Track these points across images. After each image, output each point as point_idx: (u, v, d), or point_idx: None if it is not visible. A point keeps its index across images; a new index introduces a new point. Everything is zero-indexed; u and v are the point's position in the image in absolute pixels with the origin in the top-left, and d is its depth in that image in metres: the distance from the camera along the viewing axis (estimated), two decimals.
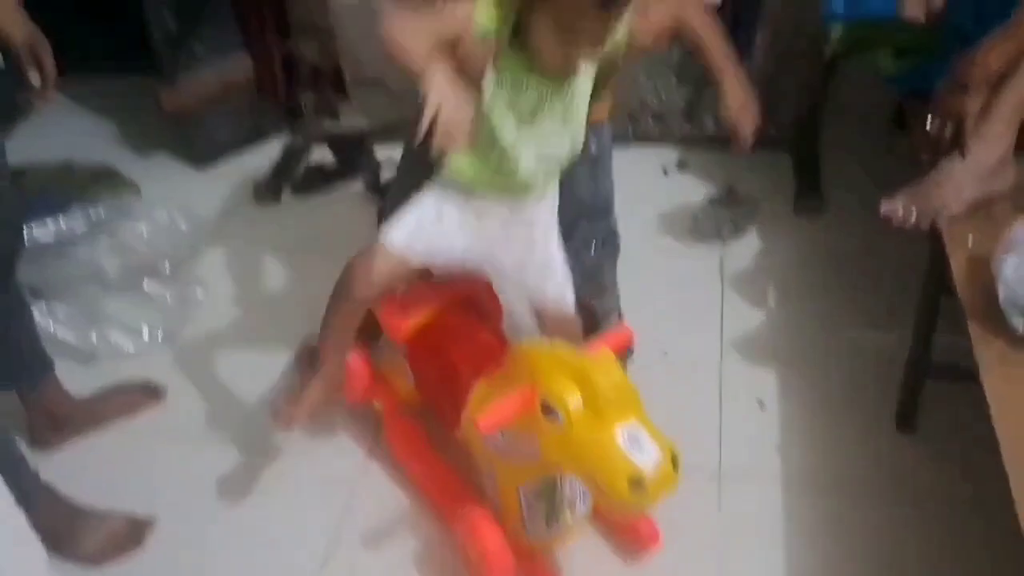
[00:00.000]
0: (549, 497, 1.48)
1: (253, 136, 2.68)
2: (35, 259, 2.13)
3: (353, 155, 2.54)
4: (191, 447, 1.82)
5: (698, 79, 2.49)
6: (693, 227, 2.32)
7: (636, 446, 1.21)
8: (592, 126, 1.44)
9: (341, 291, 1.47)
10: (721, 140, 2.50)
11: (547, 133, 1.33)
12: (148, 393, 1.91)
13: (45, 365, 1.78)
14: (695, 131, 2.58)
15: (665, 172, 2.54)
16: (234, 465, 1.78)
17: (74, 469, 1.75)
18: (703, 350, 1.98)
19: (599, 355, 1.28)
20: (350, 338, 1.56)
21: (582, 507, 1.54)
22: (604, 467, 1.20)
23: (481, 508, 1.51)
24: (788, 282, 2.15)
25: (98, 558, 1.61)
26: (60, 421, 1.80)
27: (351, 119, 2.60)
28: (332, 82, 2.56)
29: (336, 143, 2.60)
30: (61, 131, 2.81)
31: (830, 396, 1.85)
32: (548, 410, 1.24)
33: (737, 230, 2.30)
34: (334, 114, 2.60)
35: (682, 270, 2.21)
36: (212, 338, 2.06)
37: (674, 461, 1.22)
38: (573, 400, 1.22)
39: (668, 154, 2.57)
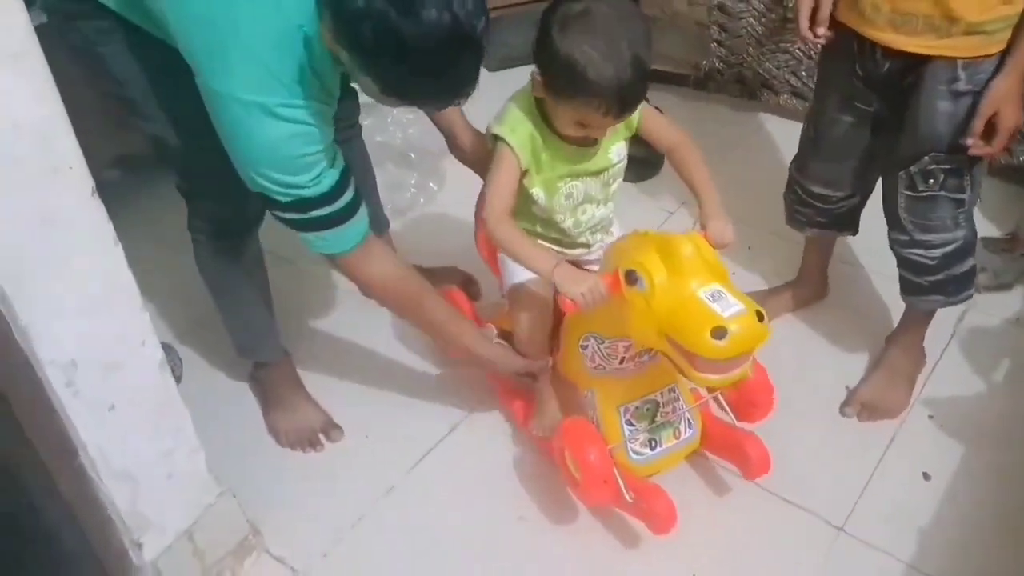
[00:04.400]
0: (651, 419, 1.53)
1: None
2: None
3: None
4: None
5: None
6: None
7: (719, 302, 1.24)
8: (970, 61, 1.46)
9: (520, 344, 1.62)
10: None
11: (593, 200, 1.52)
12: (467, 286, 1.92)
13: (384, 219, 1.96)
14: (1009, 158, 2.24)
15: None
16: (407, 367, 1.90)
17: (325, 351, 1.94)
18: None
19: (689, 236, 1.32)
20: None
21: (688, 431, 1.57)
22: (686, 321, 1.24)
23: (582, 420, 1.53)
24: None
25: (281, 438, 1.74)
26: None
27: None
28: None
29: None
30: None
31: (1015, 498, 1.61)
32: (632, 279, 1.30)
33: (998, 283, 2.01)
34: None
35: None
36: (432, 227, 2.22)
37: (759, 316, 1.23)
38: (655, 266, 1.28)
39: None
